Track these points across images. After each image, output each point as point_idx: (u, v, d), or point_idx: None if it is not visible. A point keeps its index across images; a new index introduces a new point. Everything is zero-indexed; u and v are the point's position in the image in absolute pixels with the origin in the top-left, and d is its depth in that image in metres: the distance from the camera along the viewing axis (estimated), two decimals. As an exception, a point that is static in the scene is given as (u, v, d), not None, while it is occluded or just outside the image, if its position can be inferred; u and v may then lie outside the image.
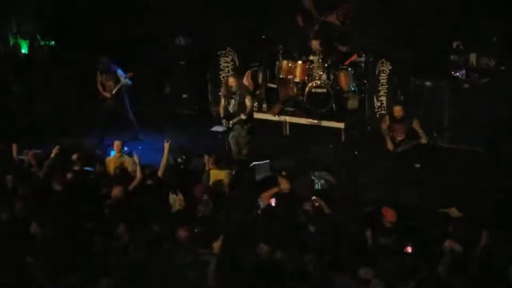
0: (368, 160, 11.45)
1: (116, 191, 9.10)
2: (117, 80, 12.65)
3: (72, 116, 13.95)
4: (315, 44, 13.29)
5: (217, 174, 10.02)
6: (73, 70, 15.08)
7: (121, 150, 10.78)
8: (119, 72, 12.72)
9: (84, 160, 10.48)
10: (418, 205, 9.71)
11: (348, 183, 10.72)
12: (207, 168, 10.20)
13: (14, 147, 10.76)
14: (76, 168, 10.16)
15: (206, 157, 10.27)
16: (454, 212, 9.48)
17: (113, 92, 12.65)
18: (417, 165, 10.26)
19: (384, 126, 10.57)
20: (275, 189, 9.15)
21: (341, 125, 12.69)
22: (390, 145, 10.45)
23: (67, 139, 12.38)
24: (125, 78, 12.69)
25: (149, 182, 9.79)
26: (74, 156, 10.48)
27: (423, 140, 10.23)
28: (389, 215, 8.22)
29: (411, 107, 11.68)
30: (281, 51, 13.31)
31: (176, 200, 9.20)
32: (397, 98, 12.20)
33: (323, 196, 9.16)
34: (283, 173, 9.61)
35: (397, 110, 10.48)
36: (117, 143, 10.83)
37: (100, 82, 12.78)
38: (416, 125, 10.27)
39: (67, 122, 13.59)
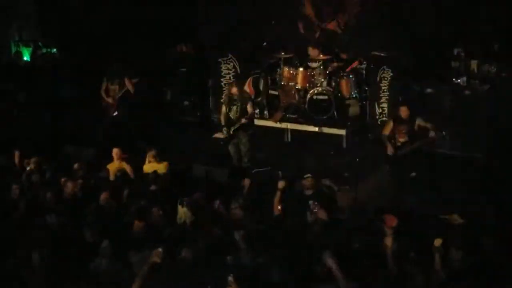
0: (369, 166, 11.46)
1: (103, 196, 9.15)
2: (122, 85, 12.69)
3: (74, 123, 13.98)
4: (315, 51, 13.33)
5: (156, 167, 10.56)
6: (75, 77, 15.19)
7: (120, 157, 10.83)
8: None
9: (86, 169, 10.51)
10: (419, 212, 9.70)
11: (349, 189, 10.71)
12: (147, 162, 10.77)
13: (16, 155, 10.78)
14: (79, 176, 10.18)
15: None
16: (455, 218, 9.48)
17: (117, 97, 12.69)
18: (413, 174, 10.25)
19: (386, 131, 10.55)
20: (278, 197, 9.17)
21: (342, 132, 12.71)
22: (390, 150, 10.45)
23: (69, 147, 12.40)
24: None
25: (152, 187, 9.82)
26: (76, 166, 10.50)
27: (432, 134, 10.16)
28: (390, 222, 8.24)
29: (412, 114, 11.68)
30: (282, 58, 13.35)
31: (184, 213, 9.10)
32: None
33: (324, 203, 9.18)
34: (308, 175, 9.67)
35: (403, 110, 10.48)
36: (116, 150, 10.88)
37: (105, 88, 12.81)
38: (420, 122, 10.24)
39: (69, 130, 13.60)
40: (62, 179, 9.74)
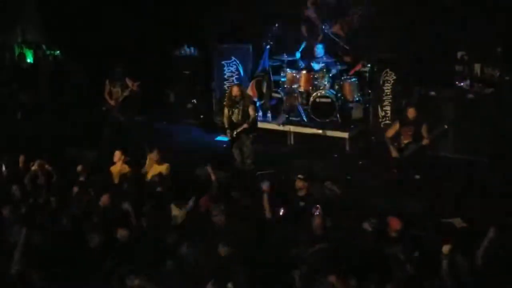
0: (373, 169, 11.46)
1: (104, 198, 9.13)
2: (124, 87, 12.68)
3: (77, 126, 13.99)
4: (319, 54, 13.33)
5: (158, 168, 10.60)
6: (78, 79, 15.20)
7: (120, 159, 10.84)
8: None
9: (89, 171, 10.50)
10: (422, 215, 9.70)
11: (352, 193, 10.71)
12: (147, 164, 10.77)
13: (21, 158, 10.77)
14: (81, 179, 10.17)
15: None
16: (458, 222, 9.47)
17: (120, 99, 12.69)
18: (417, 176, 10.24)
19: (390, 133, 10.54)
20: (265, 199, 9.11)
21: (345, 134, 12.71)
22: (394, 153, 10.45)
23: (72, 149, 12.39)
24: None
25: (158, 189, 9.82)
26: (79, 168, 10.49)
27: (425, 142, 10.20)
28: (395, 224, 8.23)
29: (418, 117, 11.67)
30: (285, 61, 13.34)
31: (178, 214, 9.14)
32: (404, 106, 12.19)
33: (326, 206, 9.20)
34: (300, 176, 9.64)
35: (411, 112, 10.46)
36: (117, 153, 10.88)
37: (108, 91, 12.82)
38: (424, 129, 10.28)
39: (72, 132, 13.60)
40: (74, 189, 9.67)
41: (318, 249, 7.90)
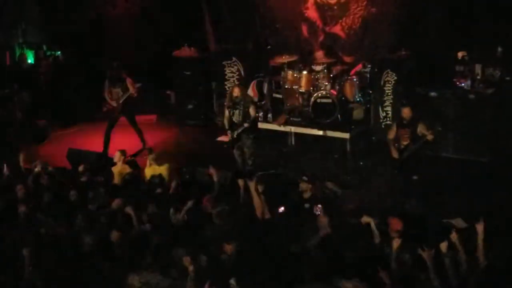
0: (373, 170, 11.46)
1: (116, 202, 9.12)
2: (125, 88, 12.66)
3: (78, 125, 14.02)
4: (319, 55, 13.36)
5: (157, 169, 10.60)
6: (78, 80, 15.21)
7: (120, 159, 10.85)
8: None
9: (90, 171, 10.50)
10: (423, 215, 9.69)
11: (353, 193, 10.71)
12: (147, 165, 10.81)
13: (21, 157, 10.78)
14: (83, 179, 10.18)
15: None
16: (459, 222, 9.46)
17: (121, 100, 12.66)
18: (415, 177, 10.25)
19: (390, 135, 10.56)
20: (256, 197, 9.06)
21: (346, 135, 12.69)
22: (395, 154, 10.46)
23: (73, 150, 12.40)
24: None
25: (158, 190, 9.82)
26: (81, 168, 10.50)
27: (429, 137, 10.18)
28: (395, 225, 8.23)
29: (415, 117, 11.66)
30: (286, 62, 13.35)
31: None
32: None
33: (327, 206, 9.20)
34: (304, 178, 9.65)
35: (406, 112, 10.35)
36: (118, 153, 10.89)
37: (108, 91, 12.79)
38: (421, 127, 10.28)
39: (73, 132, 13.63)
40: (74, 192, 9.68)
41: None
